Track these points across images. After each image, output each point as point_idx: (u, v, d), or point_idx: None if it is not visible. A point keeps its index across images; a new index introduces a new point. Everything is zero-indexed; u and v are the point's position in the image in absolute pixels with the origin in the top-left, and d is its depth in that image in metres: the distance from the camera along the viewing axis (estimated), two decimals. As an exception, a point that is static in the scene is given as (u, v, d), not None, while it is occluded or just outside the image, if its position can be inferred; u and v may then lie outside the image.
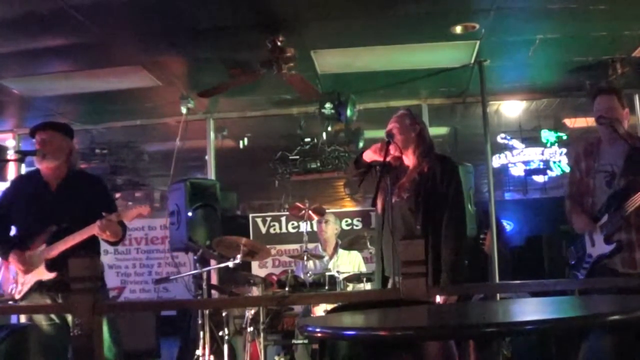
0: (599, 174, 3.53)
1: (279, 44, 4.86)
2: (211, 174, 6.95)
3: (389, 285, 3.50)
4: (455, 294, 3.47)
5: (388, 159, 3.51)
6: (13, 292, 3.63)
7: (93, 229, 3.50)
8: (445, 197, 3.52)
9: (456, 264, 3.44)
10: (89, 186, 3.78)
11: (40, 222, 3.61)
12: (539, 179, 8.86)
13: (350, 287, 5.28)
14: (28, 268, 3.57)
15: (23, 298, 3.60)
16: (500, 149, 8.34)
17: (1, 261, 3.76)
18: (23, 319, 3.74)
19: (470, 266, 4.37)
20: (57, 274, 3.52)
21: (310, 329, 2.00)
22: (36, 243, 3.60)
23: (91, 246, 3.58)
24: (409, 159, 3.65)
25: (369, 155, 3.65)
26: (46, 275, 3.55)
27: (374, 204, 3.57)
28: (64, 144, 3.74)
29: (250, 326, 4.98)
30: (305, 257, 5.34)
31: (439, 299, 3.35)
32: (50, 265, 3.54)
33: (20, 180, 3.92)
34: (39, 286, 3.57)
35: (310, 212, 5.51)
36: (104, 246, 3.86)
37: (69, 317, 3.54)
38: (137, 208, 3.54)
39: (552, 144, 8.08)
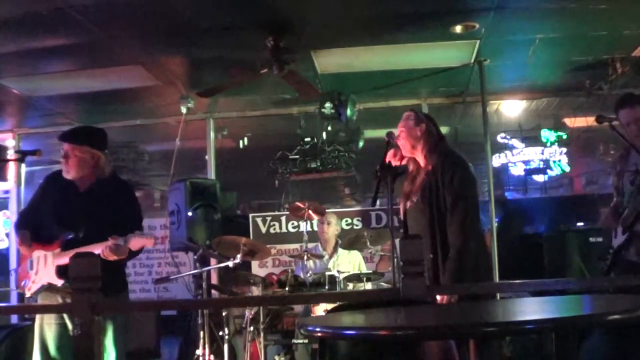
0: (626, 174, 3.72)
1: (279, 44, 4.86)
2: (211, 174, 6.95)
3: None
4: (455, 294, 3.46)
5: (388, 159, 3.50)
6: (25, 287, 3.63)
7: (98, 249, 3.38)
8: (449, 192, 3.37)
9: (459, 263, 3.28)
10: (116, 194, 3.71)
11: (64, 225, 3.57)
12: (539, 178, 8.86)
13: (350, 287, 5.28)
14: (26, 247, 3.55)
15: (33, 295, 3.60)
16: (500, 148, 8.35)
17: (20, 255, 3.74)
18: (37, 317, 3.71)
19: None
20: (64, 282, 3.50)
21: (310, 328, 2.00)
22: (53, 245, 3.57)
23: (113, 263, 3.46)
24: (421, 160, 3.57)
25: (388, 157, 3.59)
26: (55, 281, 3.53)
27: (373, 204, 3.55)
28: (86, 157, 3.64)
29: (250, 326, 4.98)
30: (305, 257, 5.34)
31: (438, 297, 3.33)
32: (60, 272, 3.52)
33: (51, 179, 3.82)
34: (50, 286, 3.56)
35: (310, 212, 5.51)
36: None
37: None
38: (143, 239, 3.45)
39: (552, 144, 8.08)
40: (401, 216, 3.59)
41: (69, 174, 3.64)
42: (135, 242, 3.42)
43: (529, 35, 5.10)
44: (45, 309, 3.63)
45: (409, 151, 3.55)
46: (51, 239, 3.61)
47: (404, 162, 3.59)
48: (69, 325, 3.55)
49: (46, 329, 3.54)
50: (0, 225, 8.45)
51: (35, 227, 3.69)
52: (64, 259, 3.49)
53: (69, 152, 3.62)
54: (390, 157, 3.53)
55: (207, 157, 7.06)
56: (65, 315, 3.56)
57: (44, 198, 3.75)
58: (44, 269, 3.59)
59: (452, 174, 3.39)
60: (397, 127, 3.65)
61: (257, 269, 6.85)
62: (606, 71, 5.68)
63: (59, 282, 3.52)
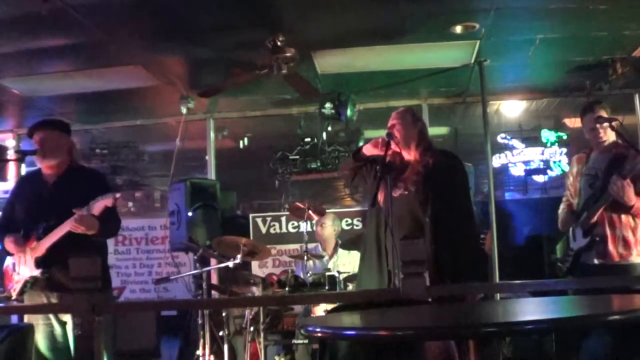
0: (584, 177, 3.86)
1: (279, 44, 4.85)
2: (211, 174, 6.95)
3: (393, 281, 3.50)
4: (455, 294, 3.47)
5: (388, 156, 3.51)
6: (11, 290, 3.65)
7: (68, 225, 3.48)
8: (453, 190, 3.57)
9: (472, 253, 3.56)
10: (86, 181, 3.78)
11: (37, 219, 3.62)
12: (539, 178, 8.84)
13: (350, 287, 5.27)
14: (22, 249, 3.60)
15: (18, 295, 3.62)
16: (500, 148, 8.34)
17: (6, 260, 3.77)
18: (25, 318, 3.74)
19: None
20: (42, 271, 3.53)
21: (310, 328, 2.00)
22: (30, 240, 3.62)
23: (89, 242, 3.54)
24: (411, 155, 3.66)
25: (368, 149, 3.67)
26: (35, 272, 3.57)
27: (373, 204, 3.55)
28: (62, 141, 3.76)
29: (250, 326, 4.98)
30: (305, 257, 5.34)
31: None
32: (38, 262, 3.56)
33: (22, 180, 3.95)
34: (33, 284, 3.58)
35: (310, 212, 5.50)
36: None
37: (64, 317, 3.56)
38: (104, 200, 3.48)
39: (552, 144, 8.07)
40: (380, 203, 3.58)
41: (44, 161, 3.70)
42: (96, 206, 3.47)
43: (529, 35, 5.10)
44: (45, 309, 3.63)
45: (401, 146, 3.60)
46: (28, 236, 3.65)
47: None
48: (56, 326, 3.57)
49: (34, 330, 3.55)
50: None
51: (14, 231, 3.73)
52: (41, 250, 3.54)
53: (44, 138, 3.70)
54: (372, 145, 3.62)
55: (207, 157, 7.06)
56: (51, 316, 3.58)
57: (17, 198, 3.81)
58: (24, 266, 3.63)
59: (455, 171, 3.63)
60: (390, 119, 3.69)
61: (257, 269, 6.85)
62: (606, 71, 5.68)
63: (37, 272, 3.55)
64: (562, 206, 4.06)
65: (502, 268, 5.54)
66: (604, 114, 3.77)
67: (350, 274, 5.42)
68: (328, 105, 5.90)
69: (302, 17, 4.68)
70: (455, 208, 3.53)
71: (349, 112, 5.91)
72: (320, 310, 4.98)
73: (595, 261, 3.69)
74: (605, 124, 3.73)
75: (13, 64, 5.22)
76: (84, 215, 3.45)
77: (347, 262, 5.87)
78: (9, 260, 3.79)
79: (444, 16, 4.73)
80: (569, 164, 4.12)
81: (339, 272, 5.25)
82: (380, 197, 3.57)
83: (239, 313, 5.28)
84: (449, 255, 3.43)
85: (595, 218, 3.67)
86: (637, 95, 6.52)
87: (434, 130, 7.25)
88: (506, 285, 4.68)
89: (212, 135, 7.06)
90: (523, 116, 7.68)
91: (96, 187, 3.74)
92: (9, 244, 3.64)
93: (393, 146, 3.54)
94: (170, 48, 5.18)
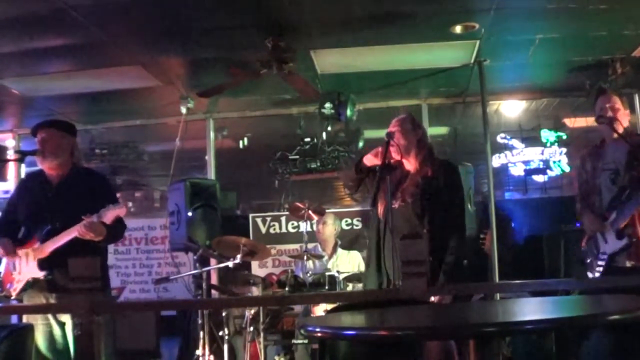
0: (603, 172, 3.67)
1: (279, 44, 4.86)
2: (211, 174, 6.95)
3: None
4: (455, 294, 3.48)
5: (389, 159, 3.51)
6: (10, 289, 3.65)
7: (75, 231, 3.47)
8: (450, 201, 3.58)
9: (454, 265, 3.49)
10: (89, 183, 3.77)
11: (40, 220, 3.62)
12: (539, 178, 8.85)
13: (350, 287, 5.28)
14: (11, 255, 3.59)
15: (18, 295, 3.62)
16: (500, 148, 8.34)
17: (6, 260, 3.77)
18: (24, 318, 3.75)
19: (470, 266, 4.39)
20: (46, 273, 3.53)
21: (310, 328, 2.00)
22: (32, 241, 3.61)
23: (92, 246, 3.55)
24: (411, 164, 3.65)
25: (369, 160, 3.64)
26: (38, 274, 3.56)
27: (373, 204, 3.56)
28: (65, 142, 3.75)
29: (250, 326, 4.98)
30: (305, 257, 5.34)
31: (433, 297, 3.38)
32: (41, 264, 3.56)
33: (24, 180, 3.93)
34: (33, 284, 3.58)
35: (310, 212, 5.50)
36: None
37: (63, 318, 3.56)
38: (116, 210, 3.50)
39: (552, 144, 8.07)
40: (380, 213, 3.61)
41: (44, 161, 3.69)
42: (108, 215, 3.47)
43: (529, 35, 5.10)
44: (44, 309, 3.63)
45: (400, 154, 3.58)
46: (30, 237, 3.65)
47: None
48: (55, 326, 3.58)
49: (34, 330, 3.55)
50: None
51: (14, 230, 3.73)
52: (44, 252, 3.54)
53: (45, 138, 3.69)
54: (373, 155, 3.60)
55: (207, 157, 7.06)
56: (50, 317, 3.58)
57: (19, 198, 3.80)
58: (26, 266, 3.61)
59: (454, 184, 3.65)
60: (390, 126, 3.68)
61: (257, 269, 6.85)
62: (606, 71, 5.68)
63: (41, 274, 3.54)
64: (578, 206, 3.83)
65: (501, 268, 5.55)
66: (617, 101, 3.67)
67: (350, 274, 5.42)
68: (328, 105, 5.90)
69: (302, 17, 4.68)
70: (448, 225, 3.55)
71: (348, 112, 5.91)
72: (320, 310, 4.98)
73: (628, 264, 3.51)
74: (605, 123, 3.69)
75: (13, 64, 5.22)
76: (94, 222, 3.44)
77: (346, 262, 5.87)
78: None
79: (444, 16, 4.72)
80: (578, 161, 3.90)
81: (338, 272, 5.25)
82: (380, 208, 3.59)
83: (239, 313, 5.28)
84: (445, 266, 3.47)
85: (628, 218, 3.48)
86: (637, 95, 6.52)
87: (434, 130, 7.26)
88: (506, 285, 4.68)
89: (212, 135, 7.06)
90: (523, 116, 7.67)
91: (100, 190, 3.76)
92: (4, 251, 3.62)
93: (393, 147, 3.53)
94: (170, 48, 5.18)
